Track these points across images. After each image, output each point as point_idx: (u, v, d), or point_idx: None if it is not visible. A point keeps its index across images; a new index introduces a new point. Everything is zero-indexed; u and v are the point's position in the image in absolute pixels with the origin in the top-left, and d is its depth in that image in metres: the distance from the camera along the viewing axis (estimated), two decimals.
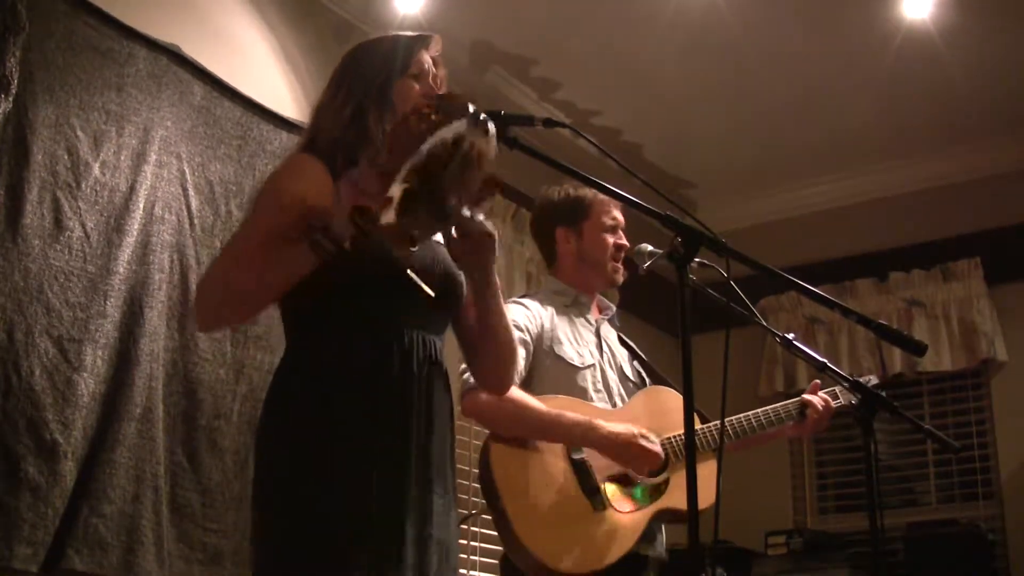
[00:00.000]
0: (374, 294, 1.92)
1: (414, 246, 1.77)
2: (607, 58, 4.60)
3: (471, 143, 1.77)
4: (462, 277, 2.08)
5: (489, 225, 1.96)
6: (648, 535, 2.68)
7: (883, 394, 2.23)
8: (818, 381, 2.93)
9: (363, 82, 2.05)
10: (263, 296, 1.91)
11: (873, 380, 2.87)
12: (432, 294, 1.85)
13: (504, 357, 2.16)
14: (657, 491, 2.69)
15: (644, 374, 2.99)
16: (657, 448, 2.64)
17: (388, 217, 1.70)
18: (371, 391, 1.90)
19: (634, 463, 2.65)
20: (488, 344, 2.12)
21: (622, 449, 2.61)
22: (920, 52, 4.38)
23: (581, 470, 2.62)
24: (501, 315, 2.10)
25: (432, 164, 1.75)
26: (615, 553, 2.57)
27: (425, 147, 1.74)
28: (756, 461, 4.89)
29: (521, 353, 2.69)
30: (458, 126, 1.76)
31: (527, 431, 2.60)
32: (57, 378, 2.80)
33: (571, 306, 2.92)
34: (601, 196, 2.87)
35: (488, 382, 2.27)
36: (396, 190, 1.70)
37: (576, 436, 2.62)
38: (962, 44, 4.37)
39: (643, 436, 2.63)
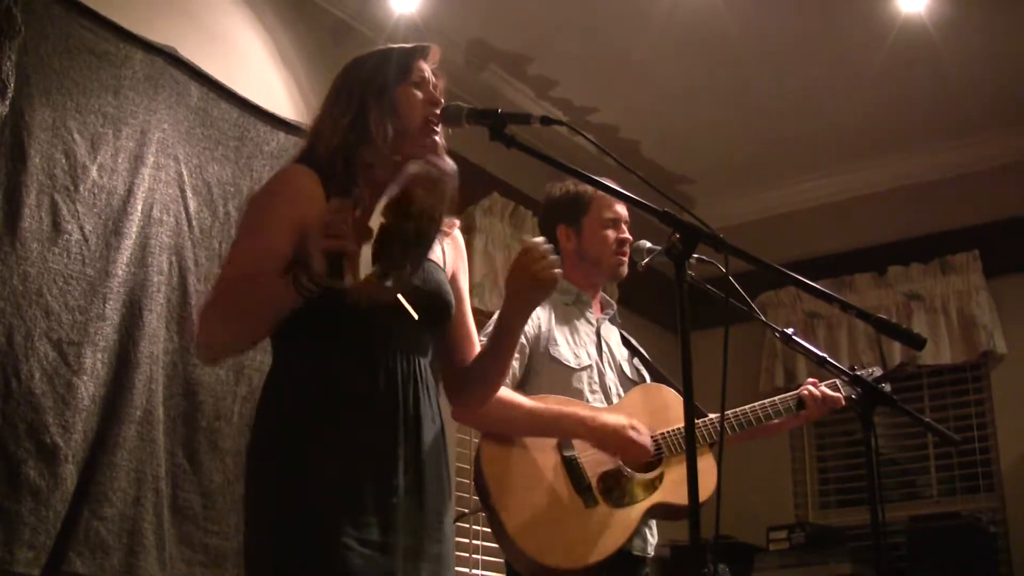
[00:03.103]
0: (361, 314, 1.91)
1: (389, 295, 1.79)
2: (603, 55, 4.60)
3: (435, 179, 1.83)
4: (451, 298, 2.09)
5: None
6: (640, 531, 2.68)
7: (885, 387, 2.23)
8: (814, 380, 2.94)
9: (363, 88, 2.05)
10: (255, 334, 1.94)
11: (877, 372, 2.87)
12: (416, 316, 1.86)
13: (493, 393, 2.27)
14: (651, 486, 2.69)
15: (645, 372, 2.98)
16: (645, 440, 2.64)
17: (366, 252, 1.71)
18: (357, 409, 1.90)
19: (622, 453, 2.65)
20: (487, 381, 2.20)
21: (610, 439, 2.62)
22: (917, 46, 4.38)
23: (572, 467, 2.63)
24: (511, 358, 2.21)
25: (405, 199, 1.78)
26: (607, 548, 2.57)
27: (397, 183, 1.76)
28: (757, 456, 4.91)
29: (515, 355, 2.70)
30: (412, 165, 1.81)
31: (518, 429, 2.60)
32: (57, 381, 2.80)
33: (572, 305, 2.91)
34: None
35: (463, 409, 2.33)
36: (375, 222, 1.72)
37: (565, 428, 2.62)
38: (958, 38, 4.37)
39: (632, 427, 2.63)
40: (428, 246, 1.87)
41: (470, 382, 2.20)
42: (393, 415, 1.92)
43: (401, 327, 1.95)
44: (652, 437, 2.71)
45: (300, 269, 1.78)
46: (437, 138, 2.05)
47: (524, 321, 2.15)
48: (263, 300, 1.86)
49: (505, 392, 2.54)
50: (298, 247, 1.84)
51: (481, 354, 2.19)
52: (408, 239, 1.80)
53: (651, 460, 2.71)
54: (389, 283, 1.75)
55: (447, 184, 1.87)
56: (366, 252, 1.70)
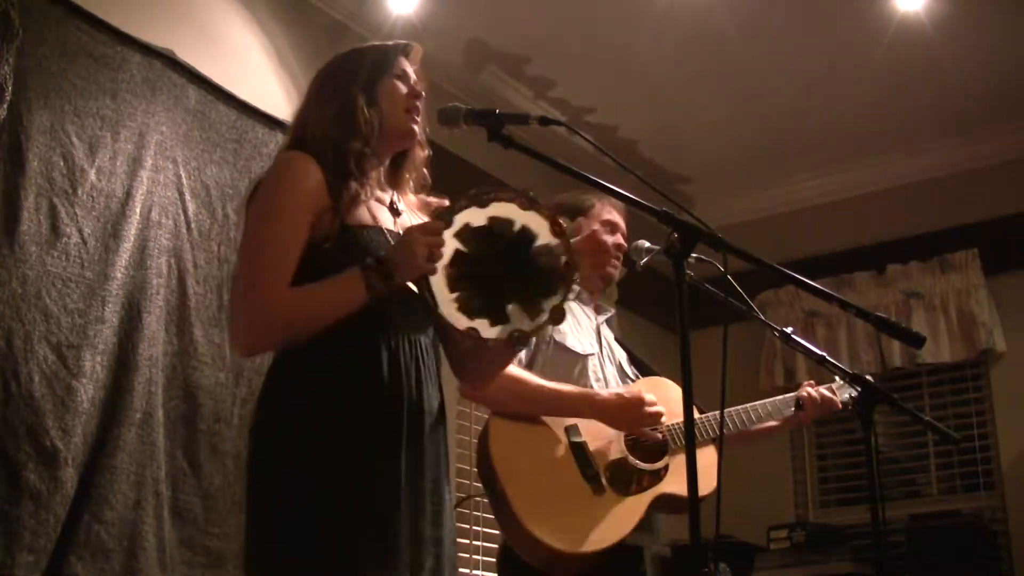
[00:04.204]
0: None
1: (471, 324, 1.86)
2: (601, 55, 4.60)
3: (544, 245, 1.88)
4: None
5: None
6: (646, 525, 2.68)
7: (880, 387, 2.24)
8: (812, 381, 2.95)
9: (348, 80, 2.09)
10: (313, 328, 1.92)
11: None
12: (416, 290, 1.88)
13: (502, 369, 2.26)
14: (657, 477, 2.69)
15: (640, 371, 2.99)
16: (659, 408, 2.63)
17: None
18: (360, 391, 1.91)
19: (637, 423, 2.64)
20: (496, 359, 2.18)
21: (624, 410, 2.61)
22: (914, 44, 4.39)
23: (580, 454, 2.63)
24: None
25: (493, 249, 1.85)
26: (613, 536, 2.57)
27: (490, 212, 1.83)
28: (757, 455, 4.91)
29: None
30: (525, 215, 1.86)
31: (528, 406, 2.61)
32: (56, 384, 2.79)
33: (574, 297, 2.92)
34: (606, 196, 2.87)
35: (476, 385, 2.32)
36: (450, 245, 1.79)
37: (577, 407, 2.63)
38: (956, 35, 4.37)
39: (640, 400, 2.62)
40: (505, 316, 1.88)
41: (478, 361, 2.19)
42: (397, 401, 1.93)
43: (401, 306, 1.96)
44: (658, 429, 2.72)
45: (376, 275, 1.84)
46: (417, 127, 2.10)
47: None
48: (326, 302, 1.90)
49: (515, 370, 2.55)
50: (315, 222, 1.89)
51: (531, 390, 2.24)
52: (485, 286, 1.85)
53: (657, 451, 2.72)
54: (498, 331, 1.84)
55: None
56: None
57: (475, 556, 4.27)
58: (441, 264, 1.82)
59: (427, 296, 1.80)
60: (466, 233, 1.81)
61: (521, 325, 1.86)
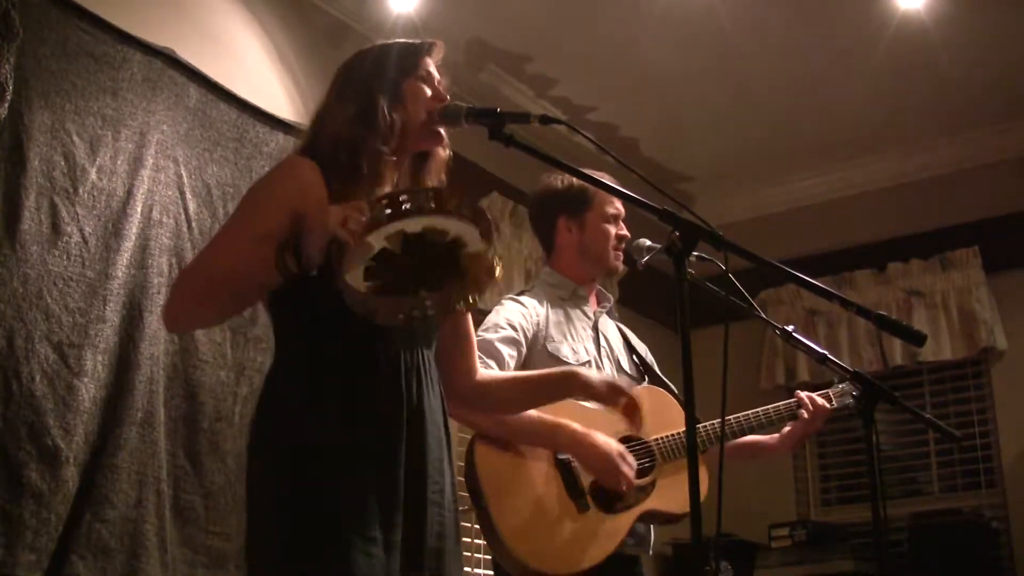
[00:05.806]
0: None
1: (383, 318, 1.80)
2: (602, 54, 4.61)
3: (471, 252, 1.80)
4: None
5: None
6: (635, 536, 2.67)
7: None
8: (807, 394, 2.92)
9: (371, 79, 2.04)
10: (227, 317, 1.97)
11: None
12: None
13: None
14: (643, 493, 2.67)
15: (641, 368, 2.97)
16: (630, 473, 2.58)
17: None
18: (360, 405, 1.89)
19: (604, 478, 2.59)
20: (506, 406, 2.26)
21: (600, 462, 2.56)
22: (915, 42, 4.39)
23: (566, 471, 2.61)
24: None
25: (416, 243, 1.76)
26: (598, 554, 2.56)
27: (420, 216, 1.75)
28: None
29: (512, 353, 2.69)
30: (461, 227, 1.78)
31: (511, 434, 2.58)
32: (58, 384, 2.80)
33: (568, 299, 2.90)
34: None
35: (463, 410, 2.30)
36: (377, 240, 1.72)
37: (559, 442, 2.59)
38: (956, 33, 4.37)
39: (622, 456, 2.57)
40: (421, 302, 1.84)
41: (488, 398, 2.27)
42: (397, 409, 1.91)
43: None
44: (647, 442, 2.70)
45: (288, 251, 1.79)
46: (442, 129, 2.06)
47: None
48: (244, 291, 1.91)
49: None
50: (292, 230, 1.84)
51: (519, 383, 2.30)
52: (409, 280, 1.79)
53: (644, 466, 2.70)
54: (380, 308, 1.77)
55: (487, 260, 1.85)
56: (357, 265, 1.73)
57: (476, 569, 4.26)
58: (363, 258, 1.73)
59: (332, 261, 1.73)
60: (397, 238, 1.74)
61: (426, 303, 1.81)
